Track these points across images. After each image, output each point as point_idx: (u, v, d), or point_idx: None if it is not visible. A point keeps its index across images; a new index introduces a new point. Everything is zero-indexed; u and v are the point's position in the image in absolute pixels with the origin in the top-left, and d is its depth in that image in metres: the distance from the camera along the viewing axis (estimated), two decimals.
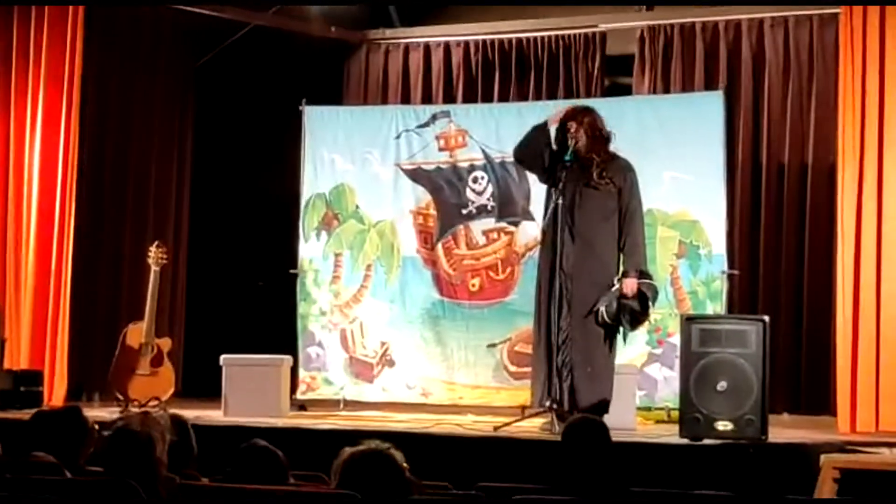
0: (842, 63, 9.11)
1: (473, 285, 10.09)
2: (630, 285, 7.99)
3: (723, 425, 7.55)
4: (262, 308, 11.16)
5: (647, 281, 8.12)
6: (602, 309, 7.96)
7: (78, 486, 4.41)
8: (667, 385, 9.41)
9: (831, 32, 9.74)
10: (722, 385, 7.59)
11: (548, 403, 7.96)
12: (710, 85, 10.21)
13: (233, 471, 4.90)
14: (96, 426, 5.61)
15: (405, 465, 4.57)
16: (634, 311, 8.01)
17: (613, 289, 8.01)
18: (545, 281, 8.16)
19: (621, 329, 8.08)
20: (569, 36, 10.89)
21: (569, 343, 7.98)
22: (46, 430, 5.31)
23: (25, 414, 7.97)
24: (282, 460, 4.96)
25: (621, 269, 8.09)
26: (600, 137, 8.16)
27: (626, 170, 8.18)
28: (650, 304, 8.14)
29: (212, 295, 11.53)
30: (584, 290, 8.03)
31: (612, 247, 8.10)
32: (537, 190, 9.43)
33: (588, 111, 8.26)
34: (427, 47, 11.36)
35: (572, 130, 8.12)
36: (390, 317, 10.19)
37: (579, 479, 5.07)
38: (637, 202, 8.17)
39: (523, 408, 8.92)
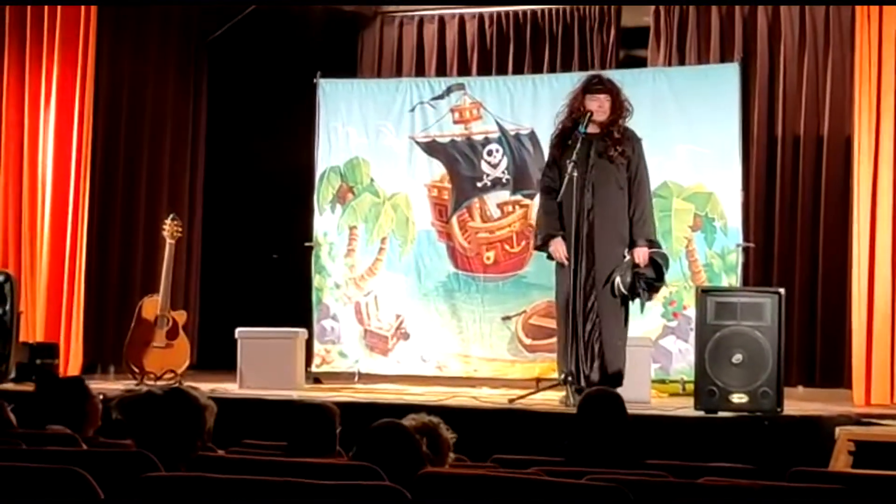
0: (858, 34, 9.05)
1: (488, 258, 10.08)
2: (642, 255, 7.99)
3: (738, 398, 7.55)
4: (277, 281, 11.18)
5: (658, 249, 8.13)
6: (618, 280, 7.94)
7: (95, 457, 4.40)
8: (682, 357, 9.41)
9: (847, 4, 9.68)
10: (737, 358, 7.59)
11: (567, 377, 7.94)
12: (725, 58, 10.16)
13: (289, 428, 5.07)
14: (100, 396, 5.64)
15: (450, 436, 4.83)
16: (650, 280, 8.01)
17: (626, 260, 8.01)
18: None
19: (637, 299, 8.08)
20: (583, 8, 10.85)
21: (595, 317, 7.98)
22: (52, 400, 5.35)
23: None
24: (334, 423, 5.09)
25: (631, 238, 8.07)
26: (624, 112, 8.14)
27: (634, 140, 8.17)
28: (664, 271, 8.13)
29: (227, 268, 11.56)
30: (605, 263, 8.02)
31: (626, 217, 8.09)
32: None
33: (615, 86, 8.20)
34: (441, 20, 11.32)
35: (599, 101, 8.08)
36: (405, 290, 10.18)
37: (594, 452, 5.08)
38: (644, 171, 8.17)
39: (538, 380, 8.93)
